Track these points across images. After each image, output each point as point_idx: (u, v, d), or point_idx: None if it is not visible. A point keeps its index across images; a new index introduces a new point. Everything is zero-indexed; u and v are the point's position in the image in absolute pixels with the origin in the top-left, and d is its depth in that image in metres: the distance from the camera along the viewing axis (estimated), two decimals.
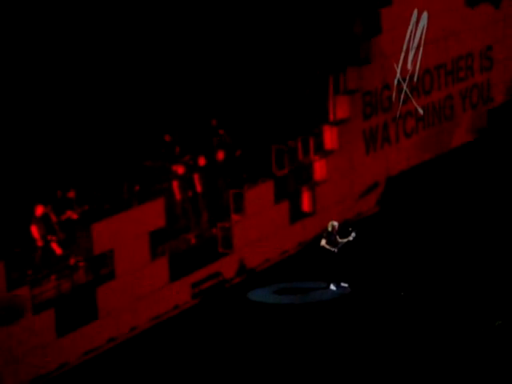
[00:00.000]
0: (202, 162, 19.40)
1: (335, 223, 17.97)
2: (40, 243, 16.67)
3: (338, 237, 17.85)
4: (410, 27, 22.37)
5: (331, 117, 21.53)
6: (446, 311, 16.67)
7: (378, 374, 14.95)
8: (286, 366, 15.45)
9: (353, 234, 17.78)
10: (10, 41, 17.58)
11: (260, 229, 19.47)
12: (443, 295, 17.28)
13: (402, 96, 22.49)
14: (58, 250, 16.86)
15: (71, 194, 17.61)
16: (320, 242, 17.94)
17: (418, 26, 22.66)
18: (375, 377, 14.91)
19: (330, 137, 21.22)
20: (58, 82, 18.32)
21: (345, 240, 17.80)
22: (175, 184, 19.07)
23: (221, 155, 19.85)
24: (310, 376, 15.09)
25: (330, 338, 16.15)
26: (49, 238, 16.79)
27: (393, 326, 16.37)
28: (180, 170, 19.10)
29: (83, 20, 18.68)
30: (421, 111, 22.86)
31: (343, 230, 18.01)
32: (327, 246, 17.79)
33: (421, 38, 22.70)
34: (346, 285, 17.96)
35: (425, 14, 22.72)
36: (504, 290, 17.27)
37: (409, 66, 22.51)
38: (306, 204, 20.72)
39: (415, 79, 22.77)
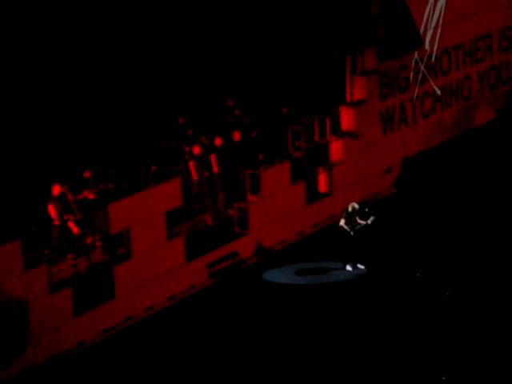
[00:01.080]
0: (218, 142, 19.39)
1: (356, 205, 17.89)
2: (57, 222, 16.73)
3: (357, 218, 17.79)
4: (429, 7, 22.21)
5: (348, 97, 21.45)
6: (462, 293, 16.63)
7: (393, 356, 14.95)
8: (300, 346, 15.47)
9: (371, 218, 17.69)
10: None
11: (276, 209, 19.46)
12: (459, 277, 17.24)
13: (420, 76, 22.36)
14: (75, 230, 16.91)
15: (88, 174, 17.66)
16: (339, 222, 17.87)
17: (437, 5, 22.50)
18: (390, 358, 14.91)
19: (346, 117, 21.16)
20: (76, 65, 18.33)
21: (363, 223, 17.73)
22: (192, 164, 19.07)
23: (237, 136, 19.83)
24: (323, 356, 15.11)
25: (345, 319, 16.14)
26: (66, 217, 16.84)
27: (408, 307, 16.35)
28: (196, 150, 19.10)
29: (95, 5, 18.67)
30: (438, 92, 22.74)
31: (361, 212, 17.94)
32: (345, 227, 17.74)
33: (439, 17, 22.55)
34: (362, 266, 17.93)
35: None
36: None
37: (427, 46, 22.38)
38: (322, 185, 20.68)
39: (433, 59, 22.63)
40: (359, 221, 17.75)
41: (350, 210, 17.85)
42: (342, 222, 17.78)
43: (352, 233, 17.66)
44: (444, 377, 14.18)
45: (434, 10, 22.43)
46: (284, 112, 20.78)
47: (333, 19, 21.36)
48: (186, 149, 19.38)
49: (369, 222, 17.72)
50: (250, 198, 19.18)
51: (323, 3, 21.41)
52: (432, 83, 22.64)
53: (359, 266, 17.96)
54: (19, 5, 17.39)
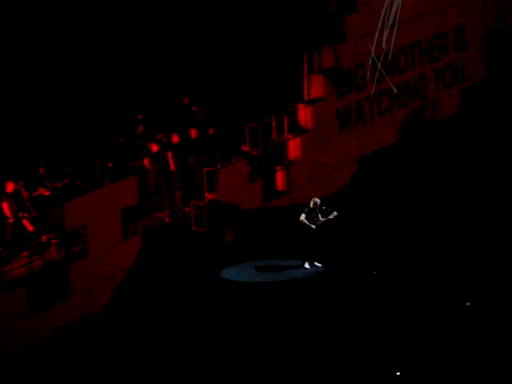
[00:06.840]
0: (175, 139, 19.28)
1: (317, 200, 17.83)
2: (11, 220, 16.51)
3: (319, 215, 17.73)
4: (385, 5, 22.31)
5: (305, 95, 21.46)
6: (418, 290, 16.73)
7: (349, 352, 14.98)
8: (256, 344, 15.44)
9: (334, 213, 17.64)
10: None
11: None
12: (416, 274, 17.34)
13: (377, 75, 22.44)
14: (30, 227, 16.70)
15: (43, 170, 17.44)
16: (300, 216, 17.78)
17: (394, 3, 22.61)
18: (346, 355, 14.94)
19: (304, 115, 21.16)
20: (31, 61, 18.12)
21: (325, 218, 17.69)
22: (148, 161, 18.94)
23: (194, 133, 19.73)
24: (278, 354, 15.10)
25: (302, 317, 16.15)
26: (20, 214, 16.63)
27: (365, 304, 16.40)
28: (153, 147, 18.97)
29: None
30: (395, 90, 22.85)
31: (321, 209, 17.90)
32: (306, 222, 17.67)
33: (396, 16, 22.66)
34: (319, 264, 17.92)
35: None
36: (476, 269, 17.35)
37: (383, 44, 22.46)
38: (279, 183, 20.67)
39: (390, 57, 22.72)
40: (320, 218, 17.69)
41: (311, 205, 17.81)
42: (303, 217, 17.69)
43: (314, 227, 17.58)
44: (398, 373, 14.25)
45: (390, 8, 22.53)
46: (239, 106, 20.67)
47: (290, 16, 21.35)
48: (143, 146, 19.24)
49: (331, 217, 17.65)
50: (208, 195, 19.10)
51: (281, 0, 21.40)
52: (389, 81, 22.74)
53: (316, 263, 17.95)
54: None
